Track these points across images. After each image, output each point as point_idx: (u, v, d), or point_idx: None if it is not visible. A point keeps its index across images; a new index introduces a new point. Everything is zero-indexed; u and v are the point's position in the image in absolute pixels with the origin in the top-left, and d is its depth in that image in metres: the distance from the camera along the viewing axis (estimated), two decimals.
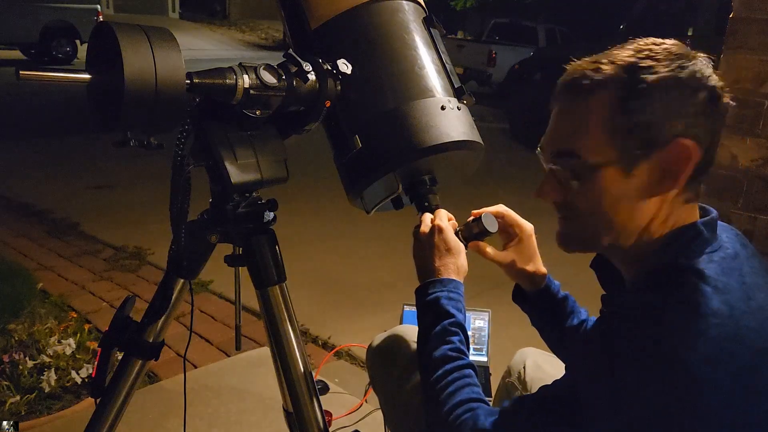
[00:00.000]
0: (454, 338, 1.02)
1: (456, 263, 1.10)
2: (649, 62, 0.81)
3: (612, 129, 0.82)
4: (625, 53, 0.83)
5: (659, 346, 0.73)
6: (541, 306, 1.24)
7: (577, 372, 0.86)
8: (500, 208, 1.21)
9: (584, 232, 0.90)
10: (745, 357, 0.74)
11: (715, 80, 0.82)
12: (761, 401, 0.75)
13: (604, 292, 1.02)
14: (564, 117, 0.87)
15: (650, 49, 0.82)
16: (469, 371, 1.00)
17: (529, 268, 1.20)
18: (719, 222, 0.90)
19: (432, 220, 1.13)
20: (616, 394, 0.76)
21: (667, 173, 0.82)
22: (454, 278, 1.08)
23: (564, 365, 1.39)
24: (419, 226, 1.14)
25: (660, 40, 0.85)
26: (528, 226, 1.20)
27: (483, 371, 2.14)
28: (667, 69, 0.80)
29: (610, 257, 0.95)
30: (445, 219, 1.13)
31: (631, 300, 0.85)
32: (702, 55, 0.84)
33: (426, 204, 1.16)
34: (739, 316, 0.75)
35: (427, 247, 1.10)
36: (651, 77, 0.80)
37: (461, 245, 1.12)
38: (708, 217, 0.87)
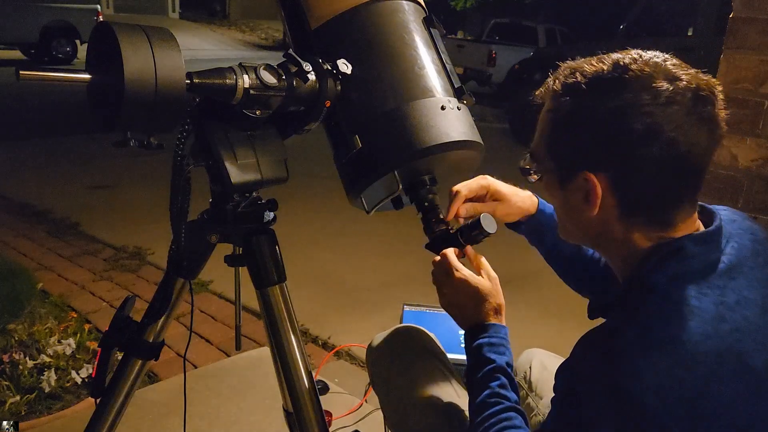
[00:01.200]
0: (494, 383, 0.99)
1: (492, 304, 1.07)
2: (577, 88, 0.81)
3: (546, 144, 0.89)
4: (580, 69, 0.83)
5: (609, 376, 0.73)
6: (534, 227, 1.26)
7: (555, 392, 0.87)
8: (482, 180, 1.22)
9: (561, 224, 0.97)
10: (697, 384, 0.72)
11: (680, 131, 0.76)
12: (719, 424, 0.73)
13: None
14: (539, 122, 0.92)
15: (597, 71, 0.81)
16: (509, 414, 0.96)
17: (516, 214, 1.25)
18: (747, 225, 0.89)
19: (447, 269, 1.09)
20: (582, 422, 0.77)
21: (585, 198, 0.84)
22: (494, 322, 1.06)
23: None
24: (433, 272, 1.12)
25: (632, 54, 0.81)
26: (508, 191, 1.23)
27: None
28: (592, 97, 0.80)
29: (605, 259, 0.98)
30: (456, 263, 1.09)
31: (599, 319, 0.86)
32: (681, 75, 0.78)
33: (426, 204, 1.16)
34: (696, 342, 0.73)
35: (454, 302, 1.08)
36: (570, 104, 0.82)
37: (490, 281, 1.09)
38: (702, 231, 0.84)
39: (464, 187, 1.20)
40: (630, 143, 0.77)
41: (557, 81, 0.85)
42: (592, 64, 0.83)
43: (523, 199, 1.25)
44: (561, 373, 0.83)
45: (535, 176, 0.93)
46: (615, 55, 0.82)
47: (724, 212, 0.90)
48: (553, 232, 1.22)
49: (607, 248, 0.91)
